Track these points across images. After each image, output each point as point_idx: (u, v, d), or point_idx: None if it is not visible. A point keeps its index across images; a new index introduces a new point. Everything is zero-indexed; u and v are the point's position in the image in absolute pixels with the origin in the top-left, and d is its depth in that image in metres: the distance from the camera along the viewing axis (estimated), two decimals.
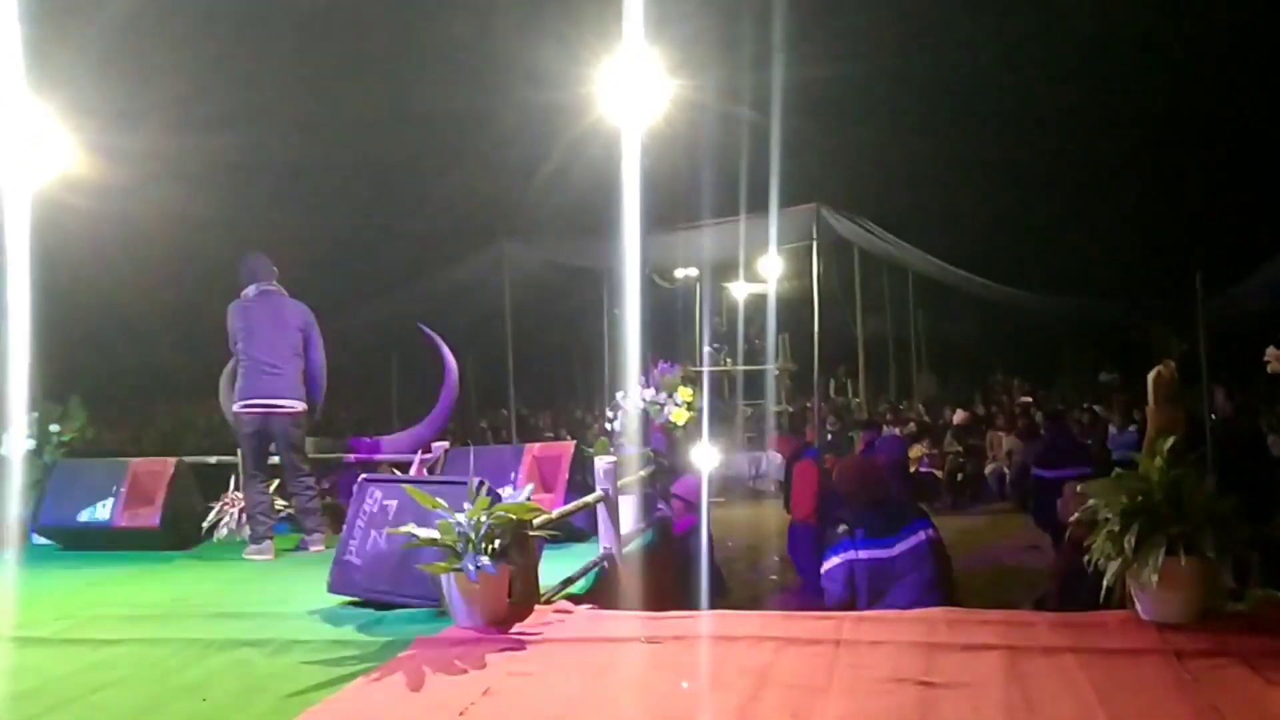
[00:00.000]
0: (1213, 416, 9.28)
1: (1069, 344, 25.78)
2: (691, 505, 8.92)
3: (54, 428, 8.24)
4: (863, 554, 5.37)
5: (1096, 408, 18.61)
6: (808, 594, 10.04)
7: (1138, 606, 3.91)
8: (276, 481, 7.27)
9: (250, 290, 7.06)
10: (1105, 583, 3.90)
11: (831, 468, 9.12)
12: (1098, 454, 13.79)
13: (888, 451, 13.48)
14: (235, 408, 7.02)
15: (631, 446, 7.64)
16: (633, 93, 8.07)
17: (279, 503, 7.29)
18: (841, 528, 5.58)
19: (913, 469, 16.47)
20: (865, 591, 5.39)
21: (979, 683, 3.34)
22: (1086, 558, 4.01)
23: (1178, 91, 18.61)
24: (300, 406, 7.01)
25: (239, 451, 7.34)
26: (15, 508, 7.47)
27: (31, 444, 8.02)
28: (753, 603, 8.83)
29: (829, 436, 16.71)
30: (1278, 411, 12.68)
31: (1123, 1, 17.49)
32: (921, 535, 5.39)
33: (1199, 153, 19.90)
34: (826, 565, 5.57)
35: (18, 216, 6.88)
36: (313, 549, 6.90)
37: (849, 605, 5.30)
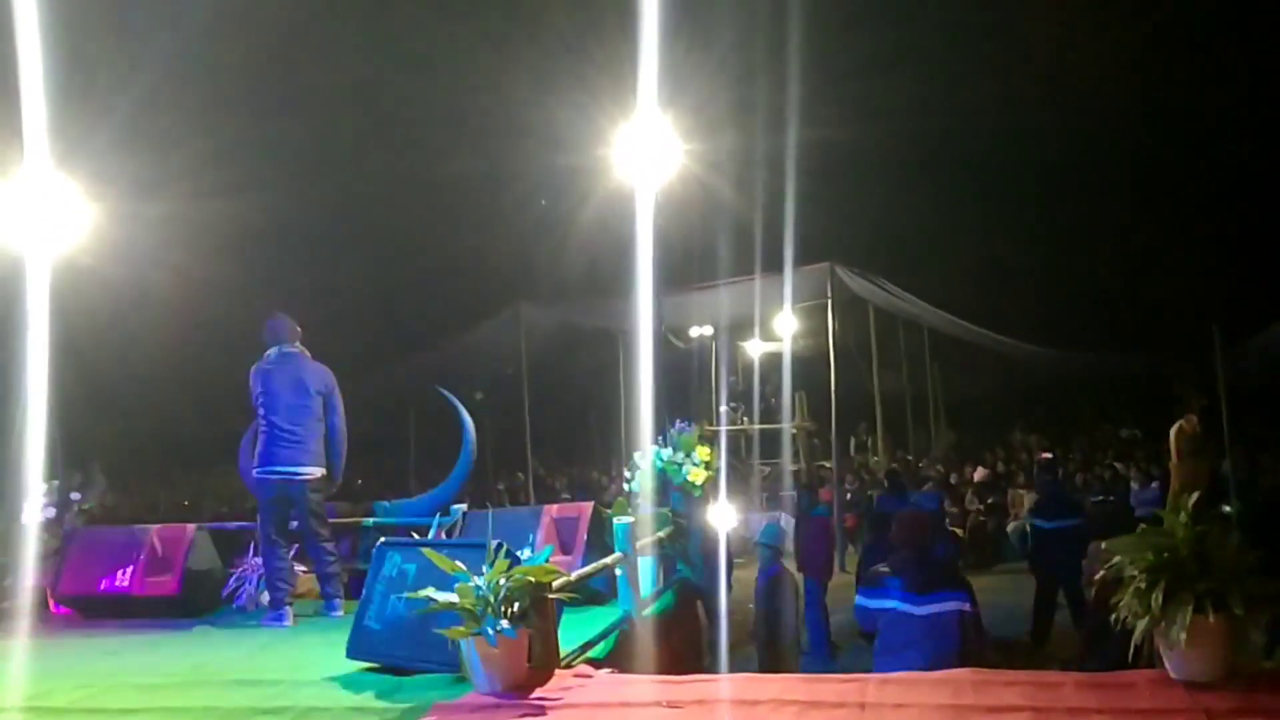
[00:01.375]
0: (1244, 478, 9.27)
1: (1088, 400, 25.63)
2: (779, 552, 8.95)
3: (74, 495, 8.27)
4: (888, 603, 5.31)
5: (1117, 464, 18.48)
6: (817, 651, 9.99)
7: (1166, 665, 3.85)
8: (296, 547, 7.23)
9: (272, 352, 7.04)
10: (1133, 641, 3.84)
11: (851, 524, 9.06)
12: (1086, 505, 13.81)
13: (926, 505, 13.38)
14: (254, 474, 7.00)
15: (648, 506, 7.60)
16: (647, 157, 8.15)
17: (298, 568, 7.26)
18: (882, 568, 5.51)
19: None
20: (882, 643, 5.32)
21: None
22: (1113, 616, 3.96)
23: (1194, 146, 18.70)
24: (319, 473, 6.98)
25: (258, 517, 7.31)
26: (32, 576, 7.46)
27: (52, 512, 8.04)
28: (773, 664, 8.75)
29: (848, 495, 16.63)
30: None
31: (1135, 56, 17.62)
32: (953, 605, 5.20)
33: (1216, 206, 19.94)
34: (860, 600, 5.57)
35: (39, 286, 6.96)
36: (332, 615, 6.84)
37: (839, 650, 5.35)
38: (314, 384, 6.99)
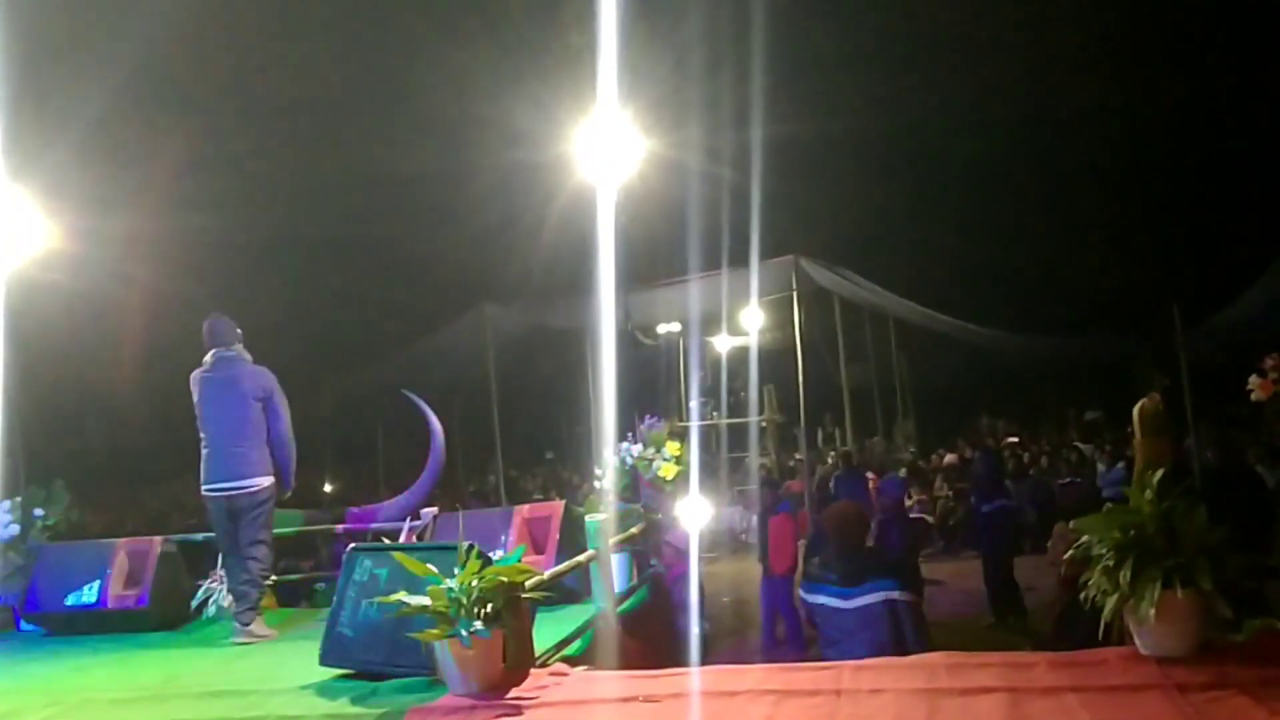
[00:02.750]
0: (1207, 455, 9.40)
1: (1053, 384, 25.87)
2: (682, 553, 8.91)
3: (38, 512, 8.14)
4: (820, 598, 5.30)
5: (1083, 447, 18.66)
6: (795, 645, 10.02)
7: (1137, 642, 3.89)
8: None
9: (208, 358, 6.71)
10: (1103, 619, 3.87)
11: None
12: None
13: (888, 493, 13.49)
14: (202, 490, 6.68)
15: (617, 503, 7.60)
16: (608, 152, 8.14)
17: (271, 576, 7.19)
18: (814, 561, 5.52)
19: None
20: (823, 636, 5.31)
21: None
22: (1083, 595, 3.99)
23: (1152, 130, 18.90)
24: (265, 482, 6.64)
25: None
26: None
27: (16, 529, 7.93)
28: (745, 657, 8.79)
29: (817, 486, 16.69)
30: (1263, 442, 12.71)
31: (1095, 44, 17.79)
32: (880, 596, 5.12)
33: (1175, 188, 20.16)
34: (800, 593, 5.58)
35: None
36: (237, 639, 6.43)
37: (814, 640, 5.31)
38: (250, 391, 6.63)
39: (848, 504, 6.03)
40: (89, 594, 7.28)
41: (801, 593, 5.54)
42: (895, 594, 5.15)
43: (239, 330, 6.83)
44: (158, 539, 7.65)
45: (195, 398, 6.72)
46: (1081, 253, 21.63)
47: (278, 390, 6.73)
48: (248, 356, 6.81)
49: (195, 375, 6.75)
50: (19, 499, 7.99)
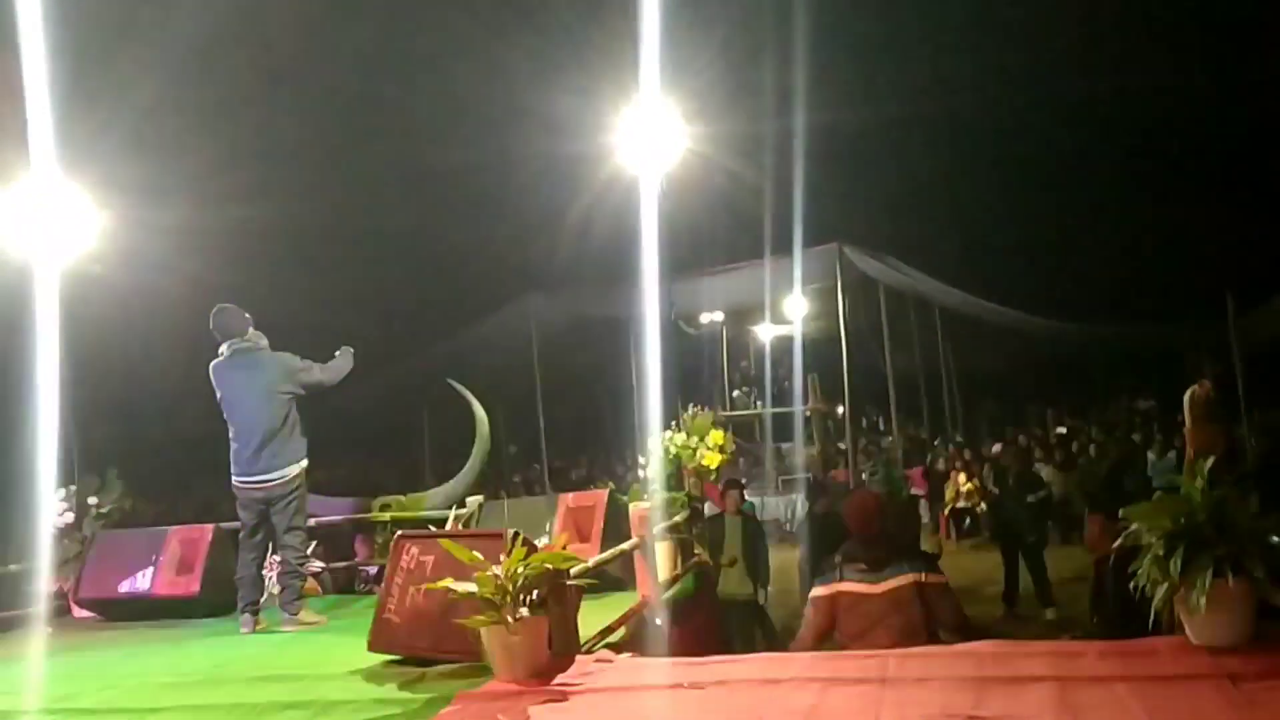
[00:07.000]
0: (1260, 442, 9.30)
1: (1103, 372, 25.56)
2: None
3: (92, 500, 8.29)
4: (845, 586, 5.19)
5: (1134, 436, 18.46)
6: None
7: (1187, 631, 3.84)
8: (314, 543, 7.20)
9: (224, 349, 6.61)
10: (1153, 608, 3.82)
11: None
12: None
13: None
14: (234, 481, 6.65)
15: (660, 491, 7.60)
16: (650, 141, 8.14)
17: (315, 564, 7.24)
18: (837, 558, 5.40)
19: (948, 508, 16.46)
20: (846, 626, 5.14)
21: (1029, 716, 3.28)
22: (1132, 584, 3.94)
23: (1205, 114, 18.60)
24: (295, 470, 6.60)
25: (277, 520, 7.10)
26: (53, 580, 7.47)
27: (70, 517, 8.07)
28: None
29: (864, 475, 16.60)
30: None
31: (1141, 25, 17.52)
32: (909, 577, 5.05)
33: (1228, 174, 19.84)
34: (814, 592, 5.35)
35: (48, 294, 6.94)
36: (286, 628, 6.50)
37: (827, 635, 5.17)
38: (273, 382, 6.54)
39: (866, 493, 5.84)
40: (142, 581, 7.39)
41: (825, 588, 5.28)
42: (923, 575, 5.09)
43: (248, 316, 6.69)
44: (209, 526, 7.73)
45: (217, 389, 6.64)
46: (1133, 240, 21.33)
47: (298, 369, 6.63)
48: (263, 343, 6.69)
49: (214, 366, 6.66)
50: (73, 487, 8.15)
